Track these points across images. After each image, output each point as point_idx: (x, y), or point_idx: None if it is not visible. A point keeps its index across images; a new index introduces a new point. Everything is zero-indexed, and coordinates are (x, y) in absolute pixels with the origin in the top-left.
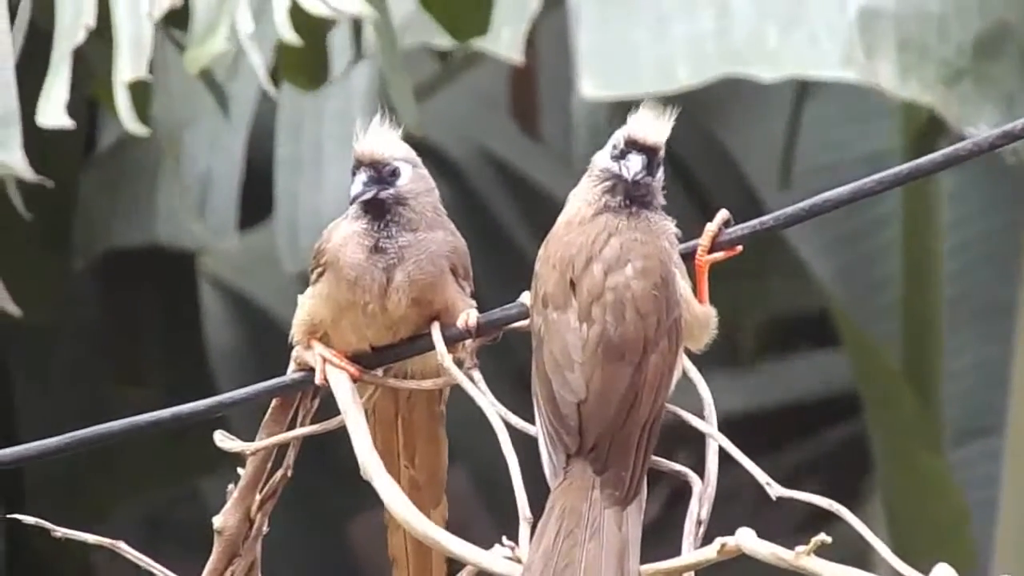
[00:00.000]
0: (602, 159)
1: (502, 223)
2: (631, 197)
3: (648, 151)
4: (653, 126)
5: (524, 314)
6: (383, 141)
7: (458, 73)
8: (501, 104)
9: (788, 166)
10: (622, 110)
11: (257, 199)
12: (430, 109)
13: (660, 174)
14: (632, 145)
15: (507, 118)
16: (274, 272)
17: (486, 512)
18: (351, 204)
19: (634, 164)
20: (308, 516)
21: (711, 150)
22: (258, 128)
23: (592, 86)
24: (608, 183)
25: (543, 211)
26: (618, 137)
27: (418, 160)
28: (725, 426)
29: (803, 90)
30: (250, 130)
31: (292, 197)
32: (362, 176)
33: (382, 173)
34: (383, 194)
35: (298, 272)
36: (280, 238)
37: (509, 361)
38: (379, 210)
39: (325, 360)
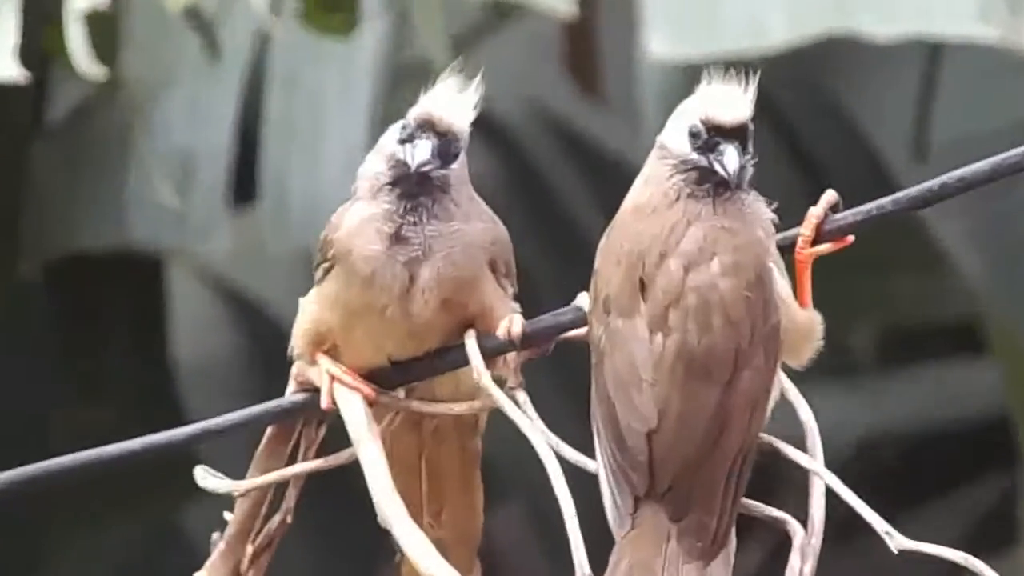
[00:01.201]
0: (677, 143)
1: (561, 197)
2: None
3: (738, 135)
4: (734, 102)
5: (581, 320)
6: (462, 111)
7: (504, 19)
8: (555, 55)
9: (923, 136)
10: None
11: (250, 174)
12: (471, 59)
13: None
14: (716, 131)
15: (562, 72)
16: (271, 263)
17: (544, 558)
18: (412, 169)
19: (731, 158)
20: (329, 559)
21: (828, 115)
22: (254, 88)
23: (662, 43)
24: (692, 174)
25: (611, 181)
26: (693, 119)
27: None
28: (836, 454)
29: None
30: (244, 90)
31: (283, 167)
32: (430, 143)
33: (449, 149)
34: (437, 172)
35: (291, 258)
36: (266, 216)
37: (567, 378)
38: (418, 188)
39: (333, 378)
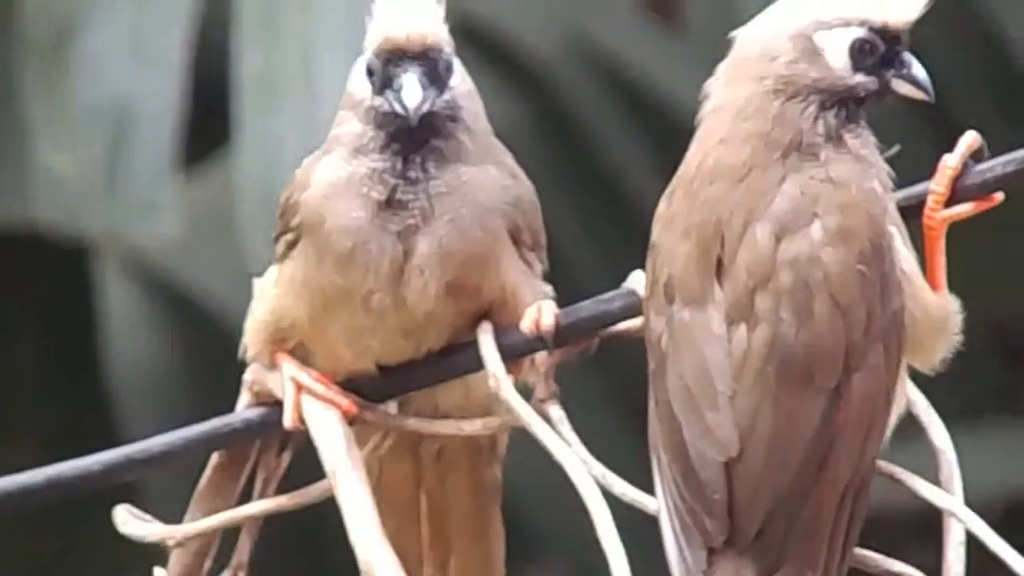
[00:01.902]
0: (832, 53)
1: (608, 148)
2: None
3: (893, 40)
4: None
5: (634, 308)
6: (430, 15)
7: None
8: None
9: None
10: None
11: (205, 136)
12: None
13: None
14: (887, 37)
15: None
16: (231, 253)
17: None
18: (411, 118)
19: (920, 72)
20: None
21: (962, 26)
22: (208, 21)
23: None
24: (823, 97)
25: (676, 130)
26: (842, 10)
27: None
28: (985, 504)
29: None
30: (196, 24)
31: (264, 141)
32: (414, 75)
33: (437, 68)
34: (440, 102)
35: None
36: (241, 200)
37: (616, 387)
38: (423, 133)
39: (300, 387)
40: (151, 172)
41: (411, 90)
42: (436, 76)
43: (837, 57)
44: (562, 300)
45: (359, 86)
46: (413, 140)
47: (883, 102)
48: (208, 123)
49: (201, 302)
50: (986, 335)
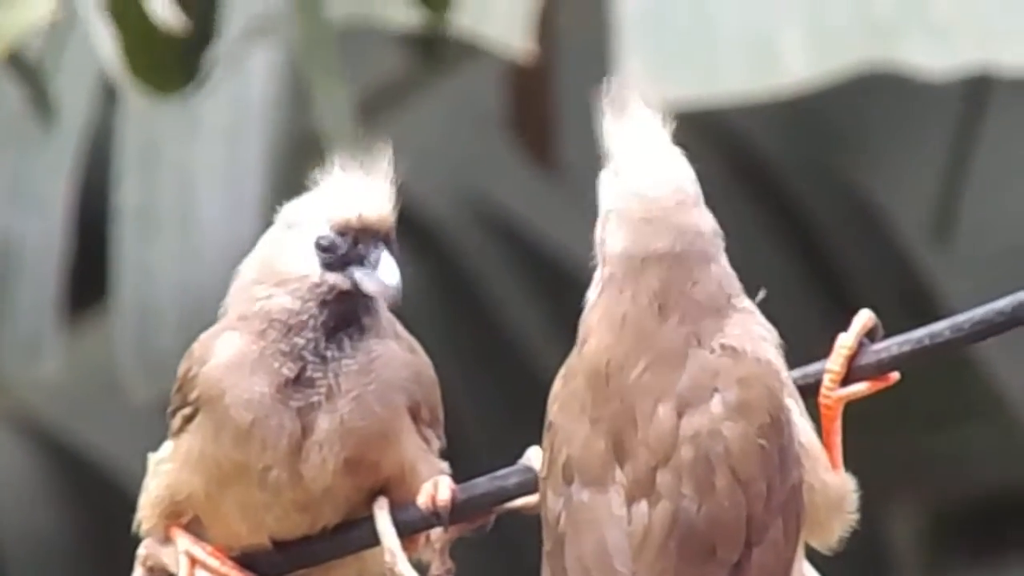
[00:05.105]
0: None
1: (504, 317)
2: None
3: None
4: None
5: (531, 484)
6: (388, 199)
7: (428, 79)
8: (495, 120)
9: (948, 219)
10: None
11: (88, 277)
12: (383, 130)
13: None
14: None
15: (505, 141)
16: (119, 401)
17: None
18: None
19: None
20: None
21: (842, 195)
22: (95, 160)
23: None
24: None
25: (571, 291)
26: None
27: None
28: None
29: (979, 100)
30: (83, 162)
31: (142, 272)
32: (391, 257)
33: (393, 248)
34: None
35: (151, 394)
36: (121, 345)
37: (512, 564)
38: (360, 311)
39: (195, 562)
40: (34, 314)
41: (390, 268)
42: (395, 256)
43: None
44: (458, 476)
45: (297, 262)
46: (348, 318)
47: None
48: (95, 265)
49: (92, 464)
50: None
